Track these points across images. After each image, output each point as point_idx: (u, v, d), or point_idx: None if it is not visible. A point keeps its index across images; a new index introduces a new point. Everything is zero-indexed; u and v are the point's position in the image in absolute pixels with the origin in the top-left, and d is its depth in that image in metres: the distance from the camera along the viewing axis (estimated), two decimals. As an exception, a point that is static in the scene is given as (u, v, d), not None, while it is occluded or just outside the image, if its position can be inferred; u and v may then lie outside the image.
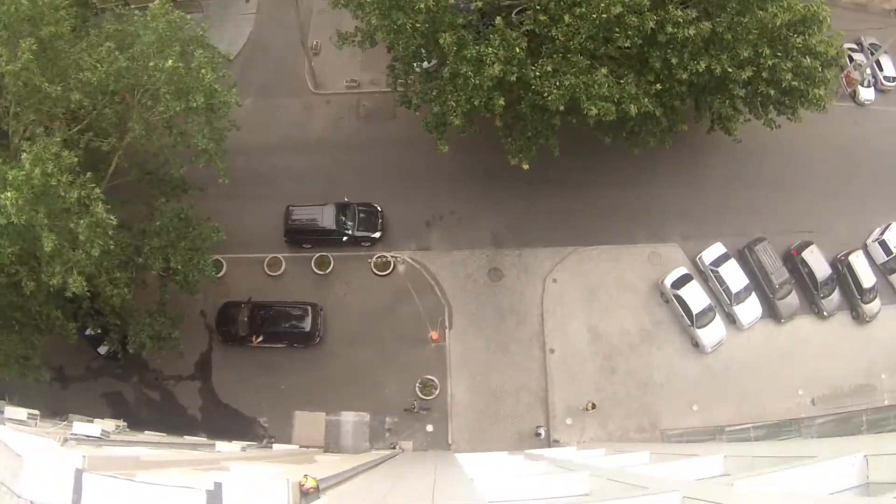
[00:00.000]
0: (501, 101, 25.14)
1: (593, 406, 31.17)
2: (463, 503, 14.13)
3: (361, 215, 33.21)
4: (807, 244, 34.14)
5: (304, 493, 14.76)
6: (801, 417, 30.64)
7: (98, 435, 20.32)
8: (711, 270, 32.84)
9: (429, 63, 28.92)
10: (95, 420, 25.26)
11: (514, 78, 24.54)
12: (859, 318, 34.31)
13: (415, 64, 28.61)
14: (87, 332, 30.79)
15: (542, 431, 31.06)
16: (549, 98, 24.44)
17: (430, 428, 31.49)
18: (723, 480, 14.64)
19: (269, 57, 36.80)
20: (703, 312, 31.86)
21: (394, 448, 31.15)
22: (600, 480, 14.66)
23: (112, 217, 22.15)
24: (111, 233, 22.47)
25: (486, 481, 15.47)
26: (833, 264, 34.43)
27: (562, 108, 25.02)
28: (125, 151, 26.67)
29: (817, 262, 33.78)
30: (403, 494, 17.81)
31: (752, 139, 30.81)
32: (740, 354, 32.75)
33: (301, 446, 31.32)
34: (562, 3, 23.82)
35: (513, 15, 26.49)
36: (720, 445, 24.71)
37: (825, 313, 33.86)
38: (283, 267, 33.48)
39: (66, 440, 17.36)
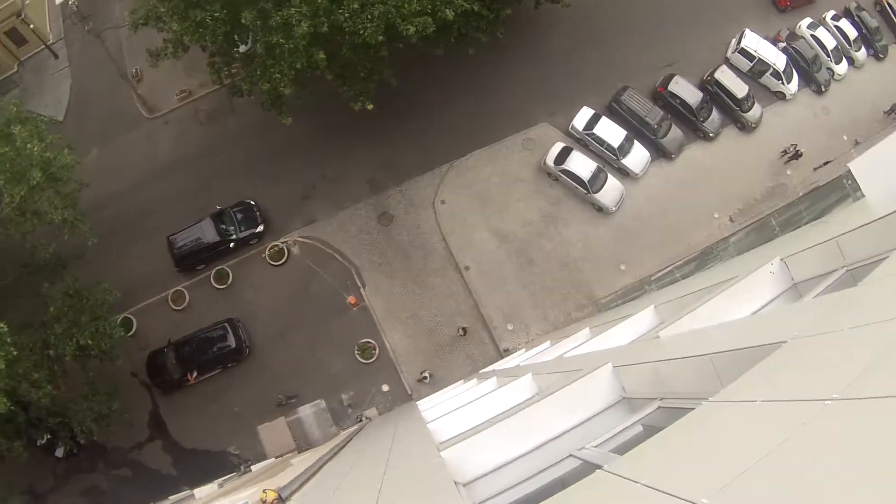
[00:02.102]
0: (322, 56, 24.87)
1: (464, 331, 31.13)
2: (414, 461, 13.72)
3: (239, 216, 32.56)
4: (670, 77, 34.40)
5: None
6: (720, 241, 30.97)
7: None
8: (587, 134, 32.87)
9: (246, 46, 28.40)
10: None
11: (325, 28, 24.18)
12: (745, 127, 34.87)
13: (233, 51, 28.23)
14: (38, 442, 30.01)
15: (426, 375, 30.87)
16: (367, 34, 24.16)
17: (385, 387, 31.30)
18: (651, 334, 14.70)
19: (97, 102, 35.58)
20: (594, 177, 31.94)
21: (360, 421, 30.90)
22: (542, 377, 14.64)
23: (2, 324, 21.54)
24: (10, 339, 21.86)
25: (438, 422, 15.24)
26: (702, 87, 34.85)
27: (381, 38, 24.66)
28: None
29: (685, 91, 34.10)
30: (360, 472, 17.48)
31: (580, 1, 30.69)
32: (645, 202, 33.05)
33: (276, 457, 31.00)
34: None
35: None
36: (651, 296, 24.88)
37: (711, 134, 34.29)
38: (186, 297, 32.67)
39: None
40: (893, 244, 10.80)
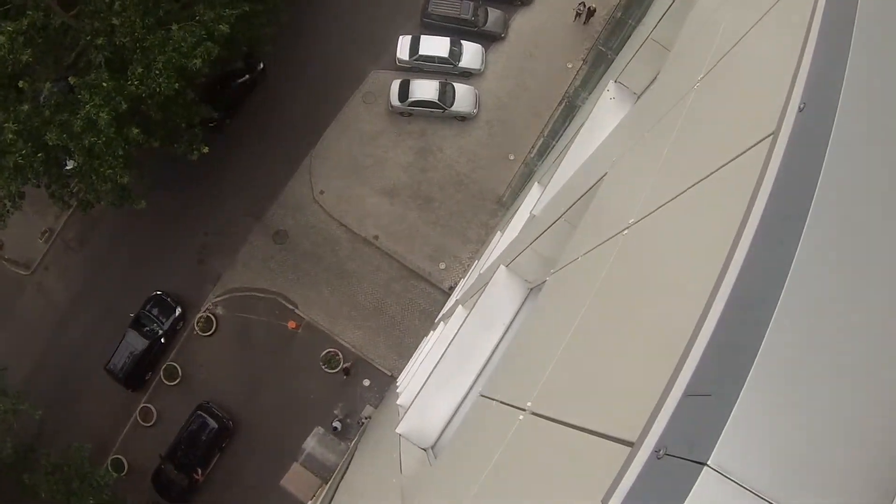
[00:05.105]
0: (136, 130, 24.42)
1: (346, 372, 31.04)
2: (384, 445, 13.40)
3: (154, 311, 32.18)
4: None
5: None
6: (569, 90, 30.95)
7: None
8: (416, 60, 32.56)
9: (71, 160, 27.80)
10: None
11: (124, 105, 23.66)
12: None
13: (63, 172, 27.60)
14: None
15: (337, 424, 30.70)
16: (163, 88, 23.78)
17: (367, 382, 31.31)
18: (531, 212, 14.08)
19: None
20: (441, 94, 31.81)
21: (361, 424, 30.94)
22: (469, 302, 14.11)
23: None
24: None
25: (404, 395, 14.97)
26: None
27: (177, 86, 24.19)
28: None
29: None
30: (357, 477, 17.26)
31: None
32: (500, 88, 32.98)
33: (311, 499, 31.03)
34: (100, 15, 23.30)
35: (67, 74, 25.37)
36: (536, 174, 24.74)
37: (524, -4, 34.10)
38: (153, 410, 32.39)
39: None
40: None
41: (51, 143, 23.70)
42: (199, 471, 31.31)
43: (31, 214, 32.97)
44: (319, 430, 30.98)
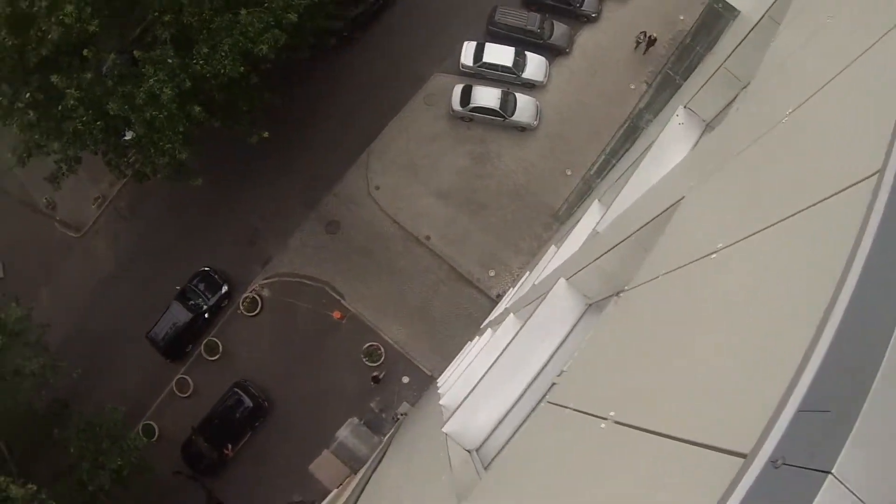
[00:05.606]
0: (198, 109, 24.90)
1: (376, 380, 31.29)
2: (427, 443, 13.43)
3: (201, 286, 32.84)
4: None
5: None
6: (633, 112, 30.88)
7: None
8: (479, 66, 32.79)
9: (130, 131, 28.54)
10: None
11: (188, 83, 24.25)
12: (621, -7, 34.54)
13: (121, 142, 28.28)
14: None
15: (379, 375, 31.22)
16: (228, 70, 24.16)
17: (406, 379, 31.52)
18: (593, 231, 14.11)
19: (26, 246, 35.76)
20: (503, 102, 31.94)
21: (396, 420, 31.13)
22: (521, 312, 14.23)
23: (31, 485, 21.94)
24: (44, 495, 22.33)
25: (448, 396, 14.97)
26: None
27: (242, 69, 24.69)
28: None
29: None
30: (391, 472, 17.32)
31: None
32: (562, 103, 33.01)
33: (337, 487, 31.30)
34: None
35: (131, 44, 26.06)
36: (597, 190, 24.70)
37: (593, 15, 34.00)
38: (189, 382, 33.03)
39: None
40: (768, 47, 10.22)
41: (112, 113, 24.25)
42: (230, 446, 31.82)
43: (86, 180, 33.79)
44: (354, 420, 31.27)
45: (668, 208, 7.17)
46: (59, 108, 24.33)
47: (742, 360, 3.65)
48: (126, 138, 28.61)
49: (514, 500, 5.92)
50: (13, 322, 25.84)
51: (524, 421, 9.53)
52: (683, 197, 6.91)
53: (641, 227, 7.89)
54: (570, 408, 5.41)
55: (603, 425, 4.43)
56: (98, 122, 24.88)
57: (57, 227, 35.39)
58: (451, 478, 8.40)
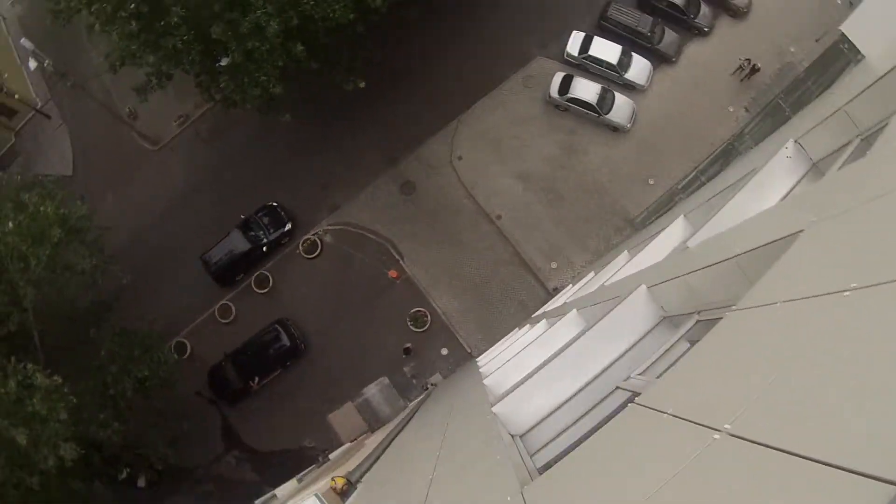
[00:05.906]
0: (300, 48, 24.76)
1: (407, 352, 31.48)
2: (471, 420, 13.51)
3: (265, 220, 32.87)
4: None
5: (341, 493, 14.67)
6: (736, 135, 30.49)
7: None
8: (584, 58, 32.35)
9: (226, 58, 28.41)
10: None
11: (295, 21, 24.10)
12: (737, 13, 33.77)
13: (216, 66, 28.14)
14: (119, 478, 30.56)
15: (409, 346, 31.22)
16: (337, 15, 24.06)
17: (444, 351, 31.50)
18: (681, 245, 14.10)
19: (101, 149, 35.94)
20: (601, 99, 31.52)
21: (426, 389, 31.14)
22: (586, 311, 14.27)
23: (56, 377, 21.89)
24: (67, 389, 22.19)
25: (493, 376, 14.93)
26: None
27: (352, 16, 24.52)
28: (35, 319, 26.10)
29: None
30: (422, 441, 17.37)
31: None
32: (659, 110, 32.52)
33: (351, 441, 31.40)
34: None
35: None
36: (681, 206, 24.48)
37: (706, 29, 33.41)
38: (233, 309, 33.15)
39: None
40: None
41: (213, 37, 24.12)
42: (257, 379, 32.00)
43: (172, 97, 33.81)
44: (385, 380, 31.35)
45: (781, 238, 7.18)
46: (162, 23, 24.23)
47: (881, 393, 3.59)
48: (222, 64, 28.57)
49: (585, 496, 5.88)
50: (75, 219, 25.87)
51: (578, 419, 9.55)
52: (803, 230, 6.89)
53: (746, 251, 7.89)
54: (668, 413, 5.30)
55: (716, 436, 4.34)
56: (198, 44, 24.81)
57: (135, 137, 35.53)
58: (508, 458, 8.39)
